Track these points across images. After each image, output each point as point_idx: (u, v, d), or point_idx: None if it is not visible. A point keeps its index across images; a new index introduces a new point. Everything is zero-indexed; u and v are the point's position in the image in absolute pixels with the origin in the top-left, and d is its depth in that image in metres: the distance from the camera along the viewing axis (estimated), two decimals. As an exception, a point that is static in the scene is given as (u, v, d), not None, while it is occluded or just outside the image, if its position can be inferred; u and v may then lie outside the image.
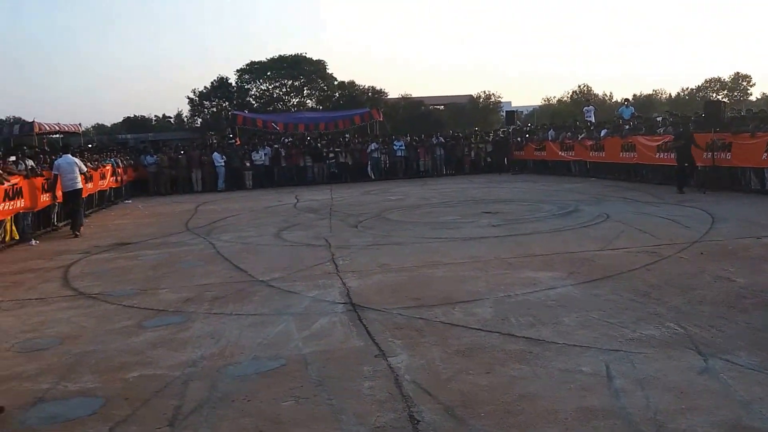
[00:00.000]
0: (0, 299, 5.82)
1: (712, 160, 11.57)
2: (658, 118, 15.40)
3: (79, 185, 10.24)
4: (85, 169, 11.02)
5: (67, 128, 20.79)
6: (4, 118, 36.10)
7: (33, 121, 18.38)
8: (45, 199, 10.43)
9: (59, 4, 77.12)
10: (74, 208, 10.26)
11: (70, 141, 22.02)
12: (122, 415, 3.08)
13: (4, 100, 78.30)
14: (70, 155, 10.59)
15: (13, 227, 9.53)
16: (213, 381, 3.47)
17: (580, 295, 4.89)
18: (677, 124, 13.09)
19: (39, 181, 10.25)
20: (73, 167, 10.16)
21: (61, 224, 11.20)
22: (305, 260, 6.92)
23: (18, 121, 27.89)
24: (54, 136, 21.21)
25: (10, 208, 9.08)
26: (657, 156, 13.31)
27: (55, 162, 10.43)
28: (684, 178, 11.67)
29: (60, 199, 10.66)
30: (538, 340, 3.87)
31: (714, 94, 45.02)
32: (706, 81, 48.16)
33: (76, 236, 9.87)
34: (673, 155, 12.29)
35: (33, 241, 9.41)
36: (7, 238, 9.26)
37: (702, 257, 6.00)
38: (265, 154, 19.66)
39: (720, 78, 47.79)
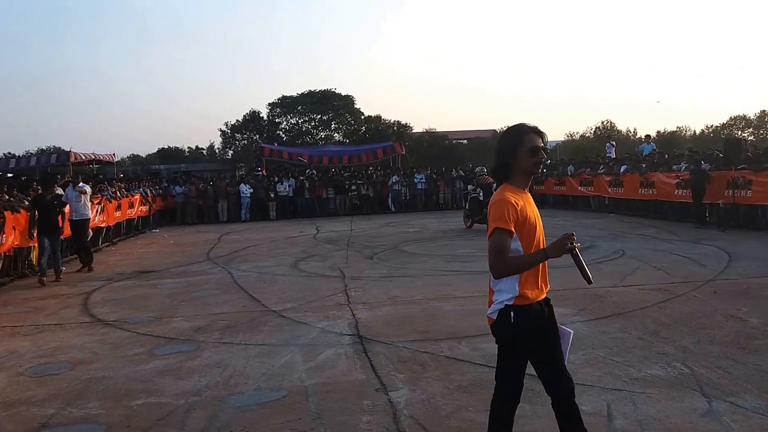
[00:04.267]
0: (21, 324, 6.04)
1: (732, 197, 11.40)
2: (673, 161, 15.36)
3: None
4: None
5: (102, 157, 21.38)
6: (45, 148, 37.89)
7: (70, 151, 19.01)
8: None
9: (97, 38, 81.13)
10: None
11: (105, 170, 22.79)
12: (122, 443, 3.17)
13: (46, 131, 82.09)
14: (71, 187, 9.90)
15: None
16: (214, 411, 3.54)
17: (588, 332, 4.84)
18: (695, 161, 13.10)
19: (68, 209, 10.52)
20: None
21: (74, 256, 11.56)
22: (318, 291, 7.02)
23: (57, 150, 29.08)
24: (89, 165, 21.89)
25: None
26: (676, 193, 13.19)
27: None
28: (702, 214, 11.95)
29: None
30: (541, 378, 3.86)
31: (739, 132, 44.34)
32: (731, 118, 47.62)
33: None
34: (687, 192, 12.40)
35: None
36: (36, 263, 9.58)
37: (715, 296, 5.91)
38: (289, 186, 20.14)
39: (745, 116, 47.23)
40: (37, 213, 8.58)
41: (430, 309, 5.87)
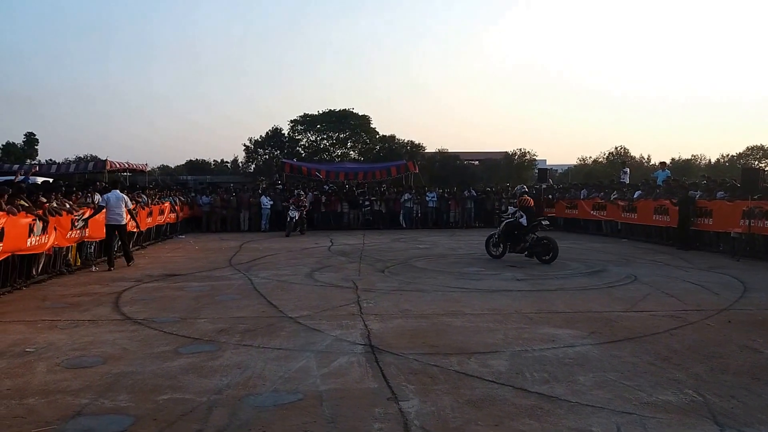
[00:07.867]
0: (58, 319, 6.32)
1: (748, 227, 11.36)
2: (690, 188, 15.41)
3: (123, 221, 10.38)
4: (131, 206, 10.93)
5: (135, 167, 22.52)
6: (83, 156, 39.56)
7: (106, 159, 20.34)
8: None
9: (138, 60, 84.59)
10: (122, 240, 10.58)
11: (137, 179, 23.74)
12: (148, 435, 3.29)
13: (85, 140, 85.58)
14: (118, 191, 10.57)
15: (77, 254, 10.30)
16: (234, 409, 3.65)
17: (599, 354, 4.87)
18: (678, 188, 13.45)
19: (104, 212, 10.66)
20: (120, 203, 10.27)
21: (119, 254, 11.86)
22: (332, 300, 7.15)
23: (94, 158, 30.49)
24: (122, 173, 22.84)
25: (77, 236, 9.92)
26: (690, 219, 13.17)
27: (104, 195, 10.53)
28: (686, 238, 13.02)
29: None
30: (551, 397, 3.89)
31: (756, 162, 43.90)
32: (747, 148, 47.10)
33: (127, 266, 10.26)
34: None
35: (93, 268, 10.12)
36: (72, 263, 9.95)
37: (729, 325, 5.89)
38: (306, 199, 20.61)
39: (763, 146, 46.72)
40: None
41: (440, 324, 5.94)
